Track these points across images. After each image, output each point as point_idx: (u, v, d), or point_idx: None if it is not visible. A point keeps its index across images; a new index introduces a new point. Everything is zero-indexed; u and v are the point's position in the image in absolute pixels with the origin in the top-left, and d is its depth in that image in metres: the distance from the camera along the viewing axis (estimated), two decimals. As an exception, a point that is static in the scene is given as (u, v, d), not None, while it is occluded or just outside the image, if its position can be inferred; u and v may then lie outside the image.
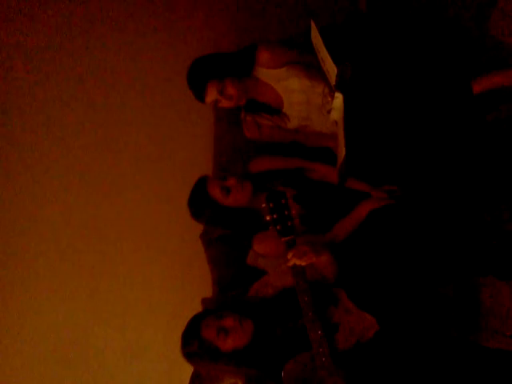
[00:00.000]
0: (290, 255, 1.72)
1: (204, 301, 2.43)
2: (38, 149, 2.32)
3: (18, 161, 2.29)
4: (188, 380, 2.36)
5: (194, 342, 1.84)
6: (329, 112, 2.15)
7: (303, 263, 1.74)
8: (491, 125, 2.15)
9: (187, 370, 2.27)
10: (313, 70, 2.19)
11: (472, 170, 2.10)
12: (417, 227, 2.08)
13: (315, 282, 1.93)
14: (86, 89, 2.42)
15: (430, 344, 1.90)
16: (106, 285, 2.43)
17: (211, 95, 2.12)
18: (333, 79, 2.00)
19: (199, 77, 2.12)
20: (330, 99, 2.14)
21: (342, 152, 2.00)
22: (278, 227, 1.72)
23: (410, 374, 1.82)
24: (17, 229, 2.28)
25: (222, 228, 2.35)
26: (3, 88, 2.25)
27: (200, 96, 2.14)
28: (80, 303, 2.38)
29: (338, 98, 2.01)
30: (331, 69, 1.97)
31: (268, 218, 1.72)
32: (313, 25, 1.99)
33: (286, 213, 1.72)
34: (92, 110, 2.45)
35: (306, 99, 2.21)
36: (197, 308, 2.22)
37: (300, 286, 1.72)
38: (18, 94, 2.29)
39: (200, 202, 2.12)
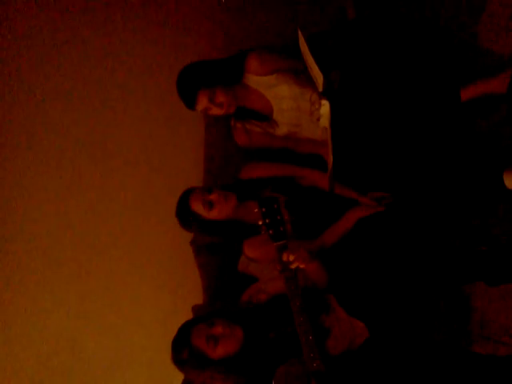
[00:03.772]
0: (285, 256, 1.71)
1: (195, 308, 2.42)
2: (31, 155, 2.33)
3: (8, 166, 2.27)
4: (178, 387, 2.35)
5: (184, 350, 1.82)
6: (318, 119, 2.16)
7: (300, 263, 1.73)
8: (480, 132, 2.17)
9: (178, 377, 2.25)
10: (302, 76, 2.21)
11: (460, 177, 2.11)
12: (405, 234, 2.09)
13: (307, 288, 1.93)
14: (79, 94, 2.42)
15: (421, 350, 1.90)
16: (96, 291, 2.42)
17: (202, 103, 2.13)
18: (320, 86, 2.02)
19: (189, 85, 2.13)
20: (317, 106, 2.16)
21: (331, 158, 2.01)
22: (270, 232, 1.72)
23: (401, 380, 1.82)
24: (7, 235, 2.26)
25: (212, 237, 2.35)
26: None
27: (190, 104, 2.15)
28: (71, 310, 2.37)
29: (325, 105, 2.02)
30: (318, 76, 1.99)
31: (260, 223, 1.72)
32: (300, 33, 2.01)
33: (279, 218, 1.72)
34: (85, 116, 2.45)
35: (296, 106, 2.22)
36: (187, 315, 2.21)
37: (292, 292, 1.71)
38: (15, 93, 2.28)
39: (184, 216, 2.12)
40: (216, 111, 2.17)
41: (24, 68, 2.31)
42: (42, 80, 2.35)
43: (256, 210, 1.73)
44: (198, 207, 2.08)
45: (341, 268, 2.04)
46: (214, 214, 2.08)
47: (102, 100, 2.47)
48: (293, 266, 1.72)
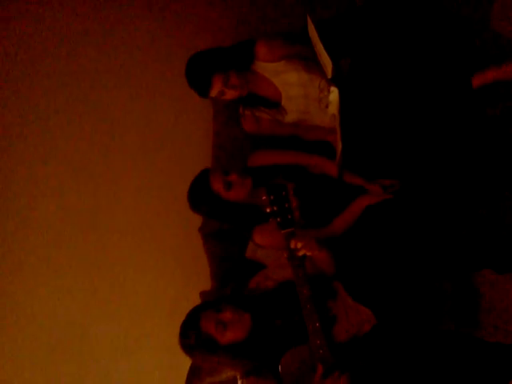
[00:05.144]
0: (293, 244, 1.72)
1: (203, 294, 2.44)
2: (36, 145, 2.33)
3: (14, 154, 2.28)
4: (186, 372, 2.37)
5: (192, 335, 1.83)
6: (327, 106, 2.15)
7: (307, 251, 1.73)
8: (492, 119, 2.15)
9: (186, 362, 2.27)
10: (311, 63, 2.20)
11: (470, 164, 2.10)
12: (414, 221, 2.08)
13: (314, 276, 1.93)
14: (85, 84, 2.43)
15: (428, 338, 1.91)
16: (105, 277, 2.44)
17: (216, 88, 2.11)
18: (329, 73, 2.01)
19: (203, 71, 2.11)
20: (326, 93, 2.15)
21: (339, 146, 2.01)
22: (278, 219, 1.72)
23: (407, 367, 1.83)
24: (15, 222, 2.28)
25: (221, 221, 2.36)
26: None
27: (204, 90, 2.13)
28: (79, 296, 2.38)
29: (334, 92, 2.01)
30: (327, 62, 1.98)
31: (268, 210, 1.72)
32: (309, 19, 2.00)
33: (287, 205, 1.71)
34: (91, 106, 2.45)
35: (305, 93, 2.21)
36: (195, 301, 2.21)
37: (299, 279, 1.71)
38: (15, 86, 2.29)
39: (200, 194, 2.12)
40: (230, 95, 2.15)
41: (26, 57, 2.32)
42: (48, 65, 2.36)
43: (264, 198, 1.73)
44: (218, 186, 2.08)
45: (348, 255, 2.04)
46: (231, 195, 2.09)
47: (110, 90, 2.47)
48: (300, 254, 1.72)
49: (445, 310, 2.13)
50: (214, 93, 2.14)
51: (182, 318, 1.90)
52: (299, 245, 1.71)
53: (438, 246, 2.04)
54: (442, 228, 2.05)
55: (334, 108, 2.06)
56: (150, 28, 2.53)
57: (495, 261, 2.01)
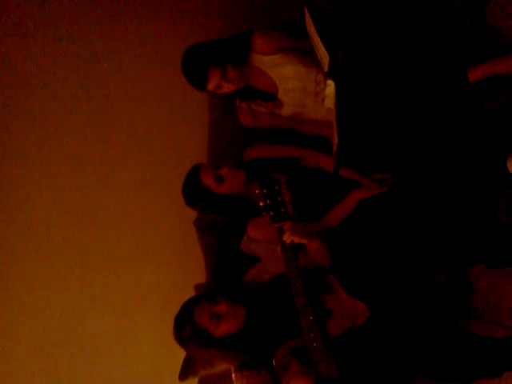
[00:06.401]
0: (285, 237, 1.72)
1: (197, 287, 2.44)
2: (31, 139, 2.31)
3: (7, 150, 2.27)
4: (180, 364, 2.38)
5: (186, 327, 1.84)
6: (323, 100, 2.15)
7: (294, 237, 1.74)
8: (490, 112, 2.14)
9: (180, 354, 2.28)
10: (308, 56, 2.19)
11: (464, 159, 2.10)
12: (408, 215, 2.09)
13: (308, 269, 1.93)
14: (80, 78, 2.41)
15: (421, 331, 1.91)
16: (99, 270, 2.44)
17: (214, 81, 2.10)
18: (326, 66, 2.00)
19: (199, 63, 2.10)
20: (323, 86, 2.14)
21: (335, 140, 2.00)
22: (270, 213, 1.72)
23: (401, 360, 1.84)
24: (9, 216, 2.28)
25: (216, 215, 2.36)
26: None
27: (200, 83, 2.12)
28: (74, 288, 2.37)
29: (330, 86, 2.01)
30: (324, 56, 1.97)
31: (261, 204, 1.72)
32: (306, 12, 1.99)
33: (280, 199, 1.72)
34: (86, 101, 2.43)
35: (301, 86, 2.21)
36: (190, 294, 2.22)
37: (292, 273, 1.72)
38: (12, 86, 2.28)
39: (193, 190, 2.13)
40: (227, 88, 2.14)
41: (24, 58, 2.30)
42: (44, 64, 2.35)
43: (257, 192, 1.73)
44: (208, 180, 2.08)
45: (343, 249, 2.05)
46: (223, 189, 2.09)
47: (105, 83, 2.46)
48: (284, 238, 1.72)
49: (437, 303, 2.14)
50: (211, 86, 2.13)
51: (177, 310, 1.90)
52: (287, 232, 1.71)
53: (433, 240, 2.04)
54: (437, 222, 2.06)
55: (330, 102, 2.05)
56: (147, 21, 2.52)
57: (489, 256, 2.01)
